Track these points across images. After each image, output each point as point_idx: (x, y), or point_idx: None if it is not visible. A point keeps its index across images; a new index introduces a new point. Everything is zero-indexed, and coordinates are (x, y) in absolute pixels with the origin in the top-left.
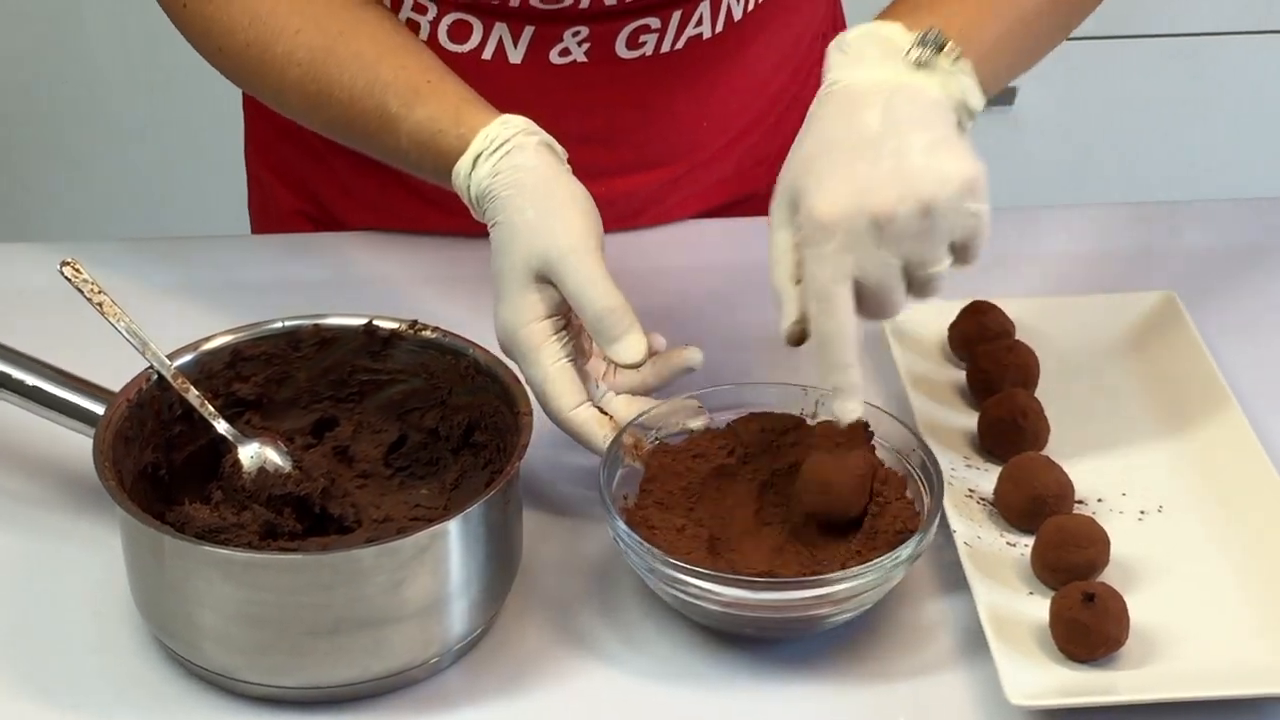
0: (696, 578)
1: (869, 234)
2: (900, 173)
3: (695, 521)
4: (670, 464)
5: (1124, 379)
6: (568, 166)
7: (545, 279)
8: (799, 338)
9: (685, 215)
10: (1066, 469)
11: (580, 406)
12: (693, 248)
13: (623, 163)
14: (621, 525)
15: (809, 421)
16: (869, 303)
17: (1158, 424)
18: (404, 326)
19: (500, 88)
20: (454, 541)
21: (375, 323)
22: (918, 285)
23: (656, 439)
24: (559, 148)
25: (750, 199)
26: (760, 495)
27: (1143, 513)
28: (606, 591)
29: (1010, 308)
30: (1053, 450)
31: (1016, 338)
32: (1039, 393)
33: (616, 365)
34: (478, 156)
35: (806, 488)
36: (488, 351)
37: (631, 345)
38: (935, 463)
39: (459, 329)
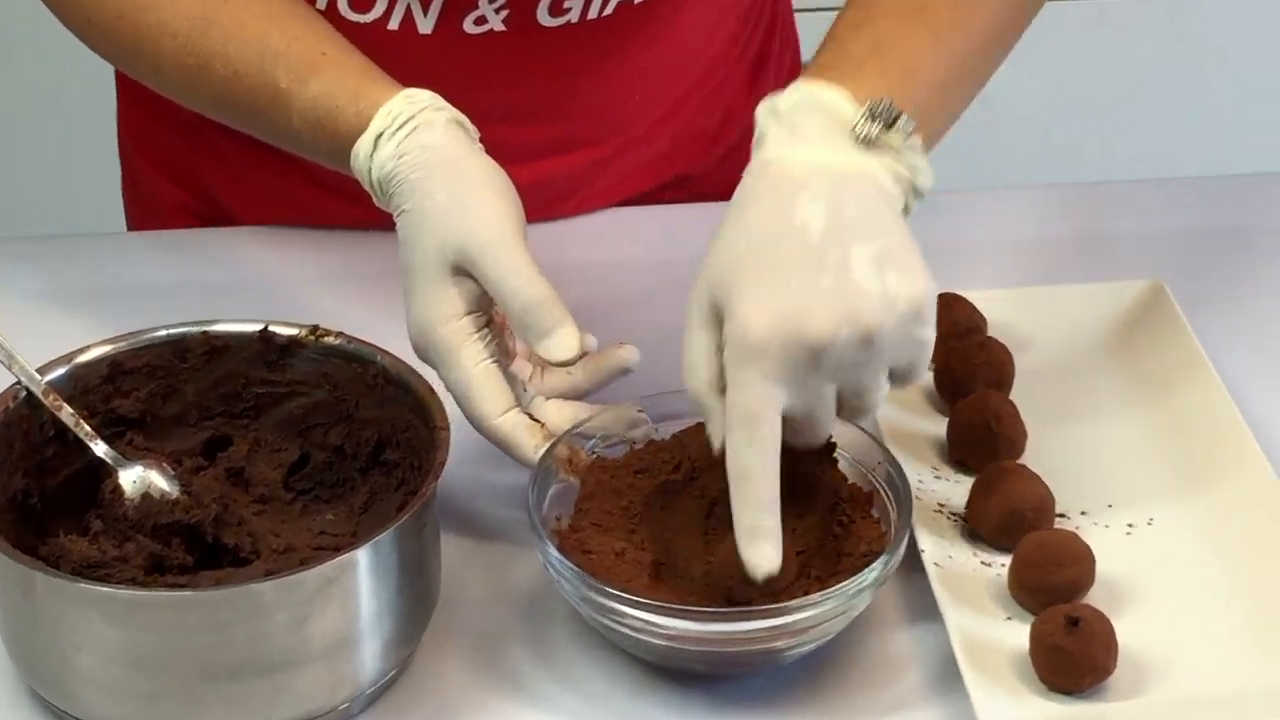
0: (637, 608)
1: (803, 362)
2: (843, 293)
3: (637, 545)
4: (608, 480)
5: (1108, 377)
6: (480, 145)
7: (462, 271)
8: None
9: (615, 200)
10: (1046, 479)
11: (508, 413)
12: (624, 237)
13: (547, 142)
14: (553, 550)
15: None
16: (797, 429)
17: (1146, 427)
18: (304, 332)
19: (408, 62)
20: (364, 572)
21: (271, 329)
22: (851, 410)
23: (594, 452)
24: (470, 125)
25: (684, 181)
26: (710, 515)
27: (1131, 526)
28: (537, 625)
29: (980, 300)
30: (1030, 458)
31: (988, 334)
32: (1014, 394)
33: (546, 365)
34: (379, 136)
35: (721, 566)
36: (399, 358)
37: (564, 340)
38: (903, 476)
39: (366, 333)
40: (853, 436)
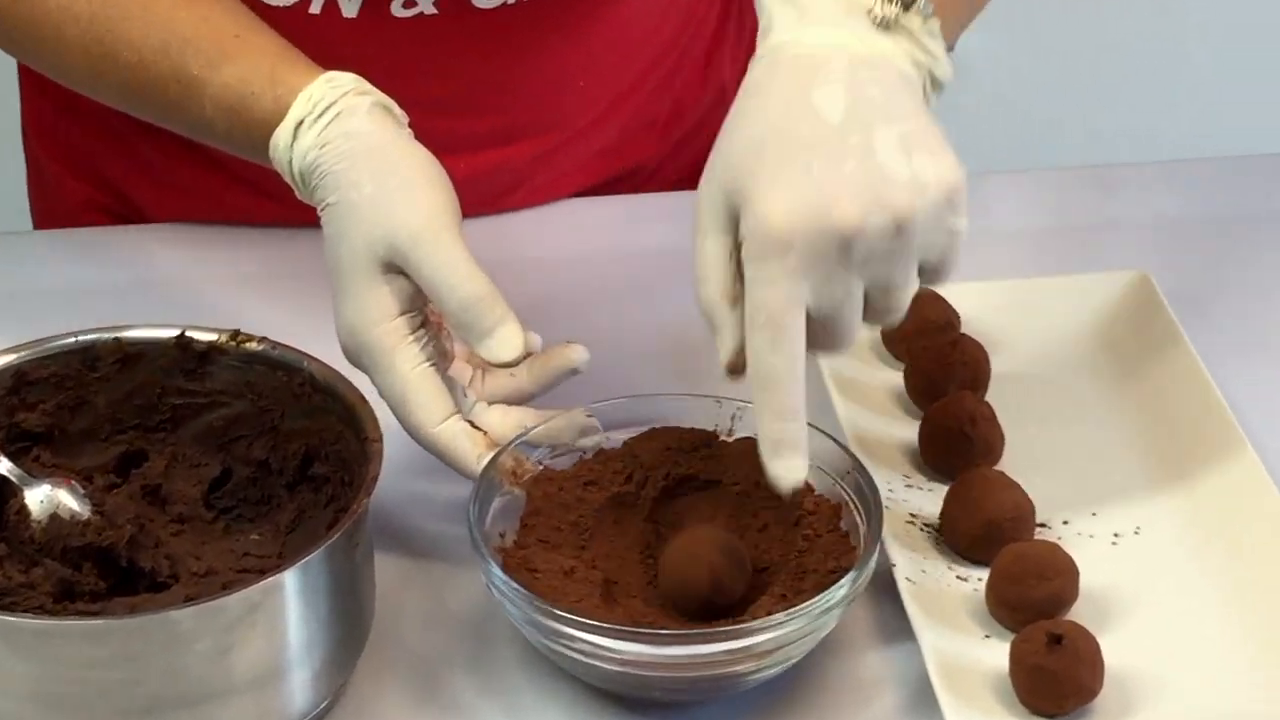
0: (588, 631)
1: (830, 254)
2: (869, 178)
3: (587, 563)
4: (556, 493)
5: (1090, 377)
6: (409, 131)
7: (394, 267)
8: (742, 368)
9: (561, 194)
10: (1025, 486)
11: (448, 420)
12: (571, 232)
13: (486, 133)
14: (496, 570)
15: (724, 438)
16: (820, 334)
17: (1132, 430)
18: (224, 338)
19: (332, 50)
20: (292, 596)
21: (189, 334)
22: (877, 312)
23: (540, 463)
24: (397, 110)
25: (635, 174)
26: (664, 529)
27: (1117, 536)
28: (481, 651)
29: (953, 295)
30: (1008, 464)
31: (962, 331)
32: (990, 396)
33: (487, 368)
34: (299, 123)
35: (664, 577)
36: (327, 365)
37: (507, 339)
38: (872, 486)
39: (292, 338)
40: (818, 443)
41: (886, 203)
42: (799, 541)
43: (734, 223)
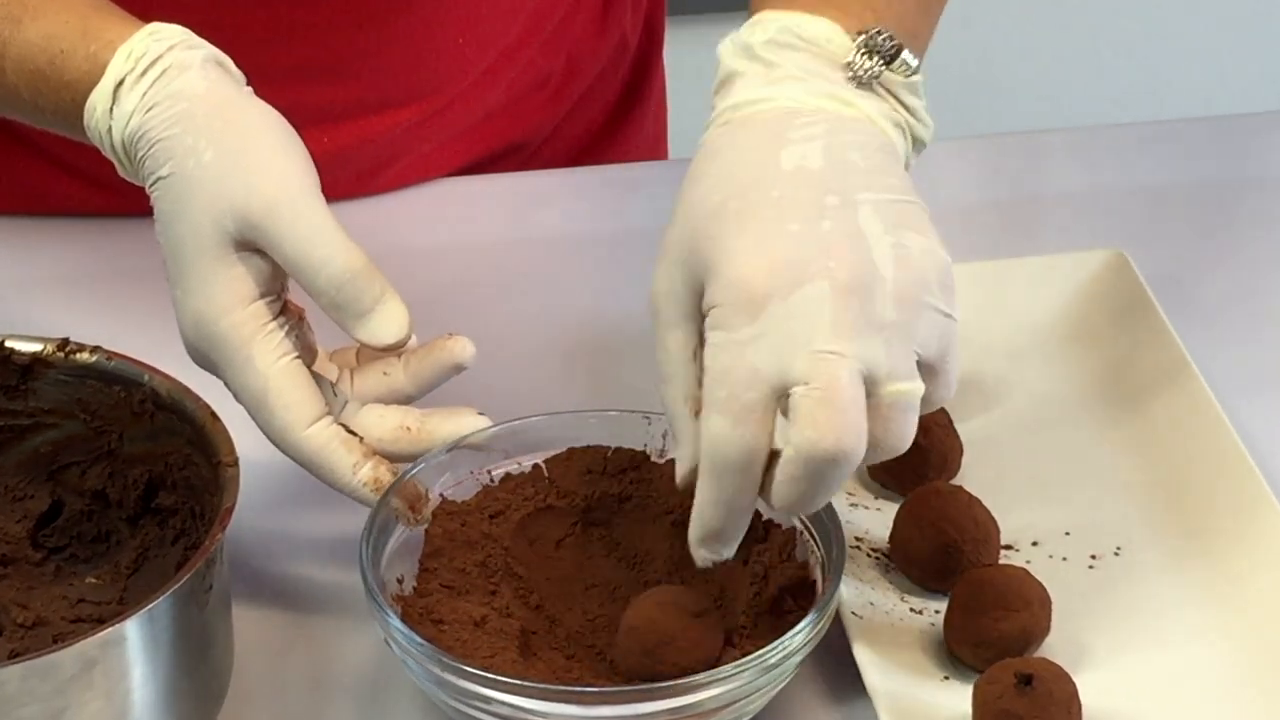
0: (506, 691)
1: (815, 318)
2: (852, 241)
3: (500, 610)
4: (458, 529)
5: (1061, 373)
6: (249, 90)
7: (248, 244)
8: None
9: (439, 172)
10: (987, 503)
11: (319, 422)
12: (453, 214)
13: (353, 102)
14: (395, 621)
15: (656, 459)
16: (815, 421)
17: (1110, 434)
18: (50, 348)
19: (170, 13)
20: (135, 650)
21: (9, 344)
22: (883, 411)
23: (439, 493)
24: (233, 66)
25: (522, 148)
26: (588, 565)
27: (1094, 558)
28: (375, 716)
29: None
30: (966, 478)
31: None
32: None
33: (356, 367)
34: (119, 83)
35: (623, 648)
36: (172, 378)
37: (390, 317)
38: (831, 509)
39: (129, 347)
40: None
41: (871, 269)
42: (748, 578)
43: (697, 307)
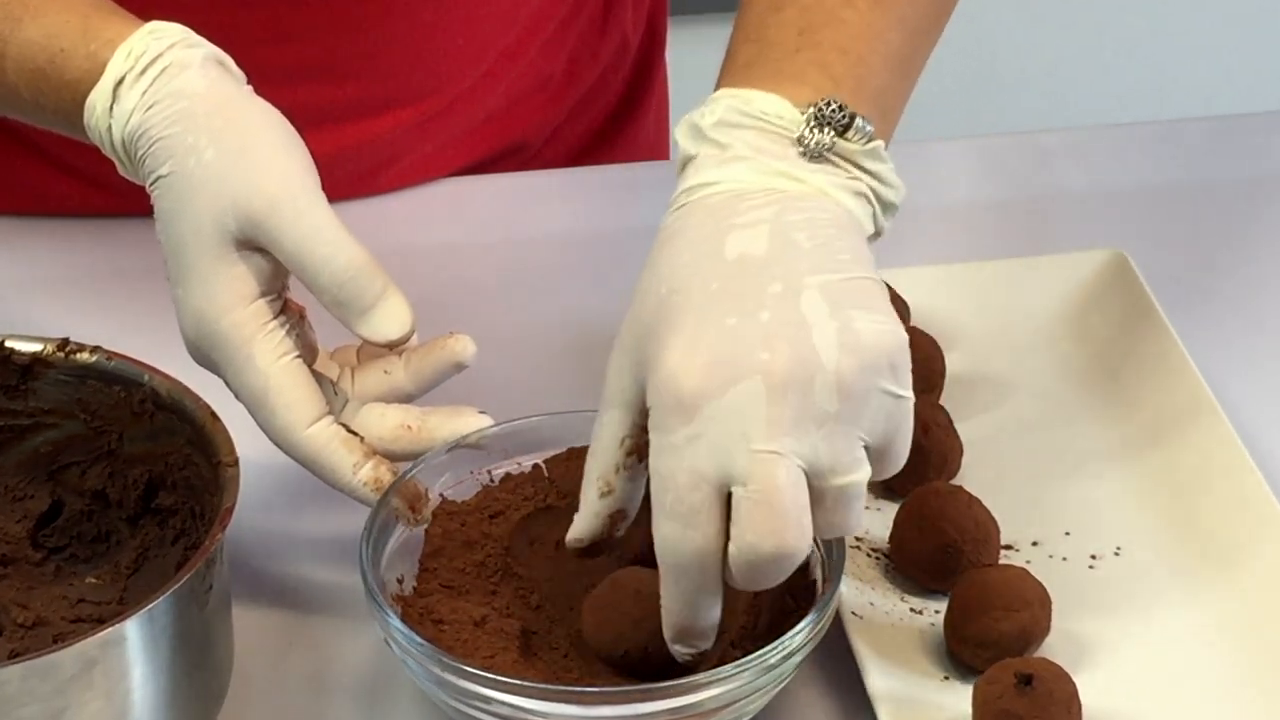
0: (506, 692)
1: (753, 416)
2: (790, 331)
3: (500, 610)
4: (458, 529)
5: (1060, 373)
6: (250, 88)
7: (249, 243)
8: (582, 547)
9: (441, 173)
10: (987, 503)
11: (320, 422)
12: (454, 214)
13: (352, 103)
14: (395, 621)
15: None
16: (754, 525)
17: (1109, 434)
18: (50, 349)
19: (169, 13)
20: (135, 650)
21: (9, 344)
22: (827, 503)
23: (440, 493)
24: (233, 65)
25: (522, 149)
26: (588, 565)
27: (1094, 558)
28: (375, 716)
29: (901, 281)
30: (966, 478)
31: (911, 324)
32: (945, 399)
33: (357, 366)
34: (119, 82)
35: (587, 633)
36: (172, 378)
37: (392, 313)
38: None
39: (129, 347)
40: None
41: (811, 359)
42: None
43: (639, 399)
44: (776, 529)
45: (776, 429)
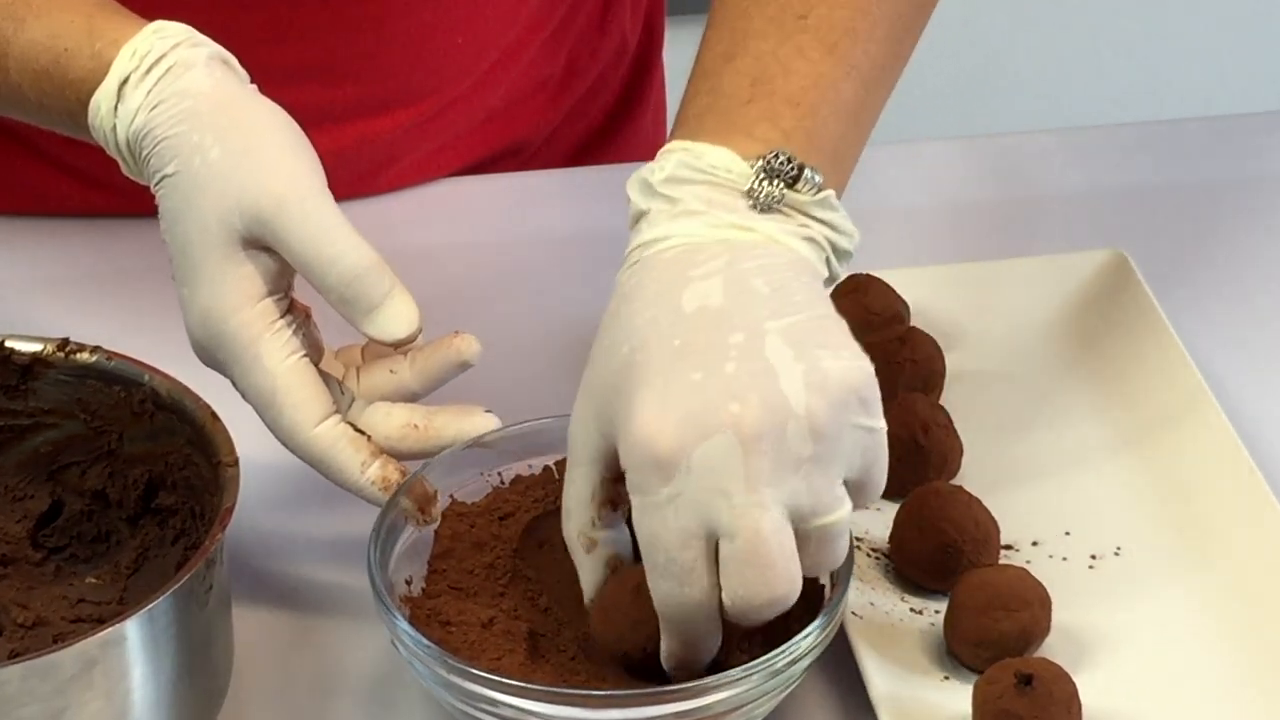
0: (513, 694)
1: (728, 470)
2: (756, 380)
3: (508, 612)
4: (467, 531)
5: (1060, 374)
6: (254, 87)
7: (256, 242)
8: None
9: (441, 173)
10: (987, 503)
11: (327, 421)
12: (454, 214)
13: (353, 103)
14: (402, 623)
15: None
16: (744, 579)
17: (1109, 434)
18: (50, 348)
19: (170, 13)
20: (135, 650)
21: (9, 344)
22: (812, 545)
23: (448, 494)
24: (237, 64)
25: (520, 150)
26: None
27: (1094, 558)
28: (378, 717)
29: (900, 281)
30: (967, 478)
31: (911, 324)
32: (945, 399)
33: (362, 365)
34: (124, 82)
35: (596, 632)
36: (172, 377)
37: (399, 312)
38: None
39: (128, 347)
40: None
41: (782, 406)
42: None
43: (606, 454)
44: (767, 580)
45: (756, 480)
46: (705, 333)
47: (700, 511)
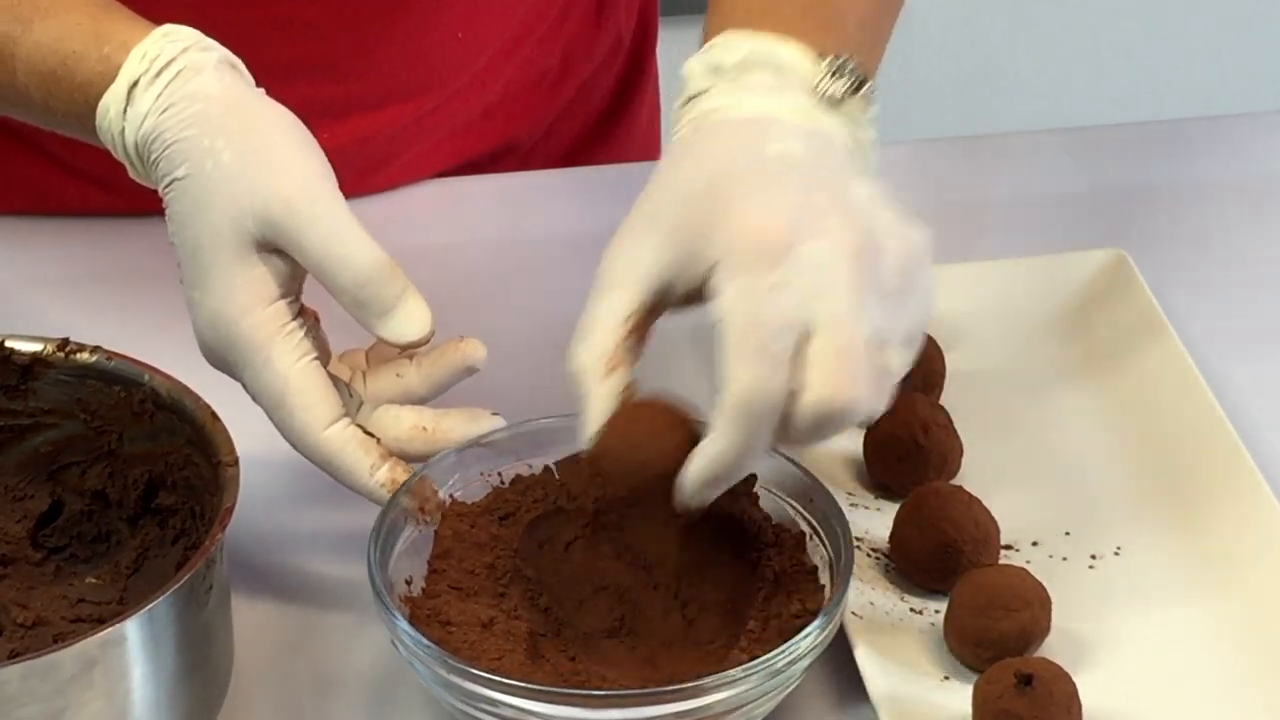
0: (513, 694)
1: (835, 271)
2: (854, 208)
3: (508, 612)
4: (468, 530)
5: (1061, 374)
6: (261, 90)
7: (268, 245)
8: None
9: (439, 169)
10: (987, 503)
11: (338, 423)
12: (450, 214)
13: (350, 99)
14: (402, 623)
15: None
16: (831, 376)
17: (1110, 435)
18: (50, 348)
19: (166, 11)
20: (135, 650)
21: (8, 344)
22: (877, 373)
23: (450, 493)
24: (244, 69)
25: (513, 149)
26: (597, 568)
27: (1094, 558)
28: (378, 717)
29: None
30: (967, 478)
31: None
32: (945, 399)
33: (369, 368)
34: (134, 85)
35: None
36: (172, 378)
37: (412, 315)
38: (839, 512)
39: (128, 347)
40: (771, 464)
41: (876, 235)
42: (757, 582)
43: (660, 274)
44: (854, 382)
45: (856, 289)
46: (792, 171)
47: (804, 302)
